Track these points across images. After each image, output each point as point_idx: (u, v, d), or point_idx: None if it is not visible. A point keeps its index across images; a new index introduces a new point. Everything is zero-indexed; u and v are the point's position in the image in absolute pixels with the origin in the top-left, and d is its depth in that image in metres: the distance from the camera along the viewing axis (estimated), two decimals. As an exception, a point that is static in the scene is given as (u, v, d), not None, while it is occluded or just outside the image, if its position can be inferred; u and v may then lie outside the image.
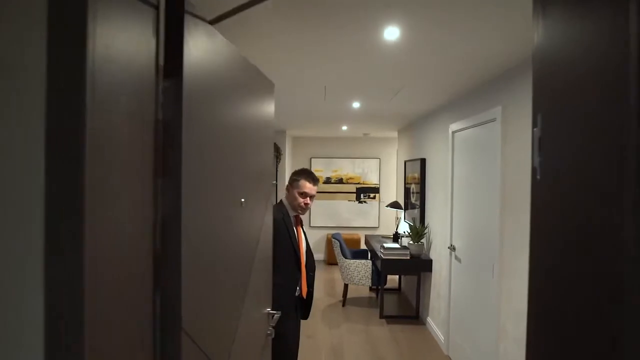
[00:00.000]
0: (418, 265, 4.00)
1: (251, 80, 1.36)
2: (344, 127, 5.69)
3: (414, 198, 4.69)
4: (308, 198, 2.13)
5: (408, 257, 3.96)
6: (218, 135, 1.06)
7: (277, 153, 6.02)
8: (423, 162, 4.30)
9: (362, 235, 7.19)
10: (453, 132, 3.28)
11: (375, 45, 1.98)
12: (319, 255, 7.30)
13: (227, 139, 1.13)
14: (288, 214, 2.15)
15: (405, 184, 5.29)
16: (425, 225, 4.15)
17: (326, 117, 4.57)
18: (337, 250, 4.68)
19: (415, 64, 2.33)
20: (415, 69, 2.45)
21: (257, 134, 1.43)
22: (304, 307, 2.23)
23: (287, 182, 2.23)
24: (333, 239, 4.74)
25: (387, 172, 7.29)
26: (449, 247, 3.28)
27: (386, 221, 7.26)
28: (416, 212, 4.54)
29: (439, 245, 3.72)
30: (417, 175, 4.53)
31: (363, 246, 6.99)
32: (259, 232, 1.42)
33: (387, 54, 2.11)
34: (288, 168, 6.42)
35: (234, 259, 1.19)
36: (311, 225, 7.24)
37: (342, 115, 4.47)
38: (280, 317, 1.61)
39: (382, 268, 4.00)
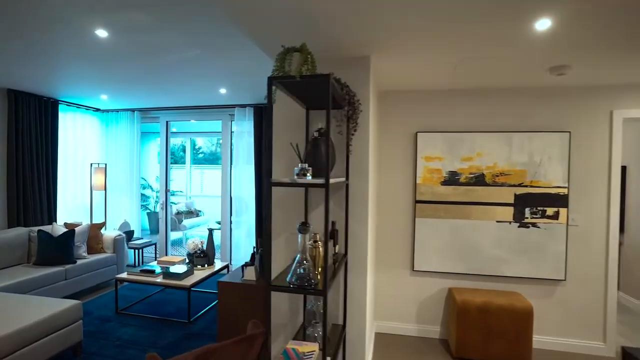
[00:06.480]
0: None
1: None
2: None
3: None
4: None
5: None
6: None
7: (350, 108, 2.44)
8: None
9: (528, 296, 3.30)
10: None
11: None
12: (430, 333, 3.51)
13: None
14: None
15: None
16: None
17: None
18: None
19: None
20: None
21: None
22: None
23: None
24: None
25: (589, 161, 3.27)
26: None
27: (580, 268, 3.24)
28: None
29: None
30: None
31: (536, 342, 3.06)
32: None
33: None
34: (373, 145, 2.85)
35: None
36: (414, 269, 3.55)
37: None
38: None
39: None
